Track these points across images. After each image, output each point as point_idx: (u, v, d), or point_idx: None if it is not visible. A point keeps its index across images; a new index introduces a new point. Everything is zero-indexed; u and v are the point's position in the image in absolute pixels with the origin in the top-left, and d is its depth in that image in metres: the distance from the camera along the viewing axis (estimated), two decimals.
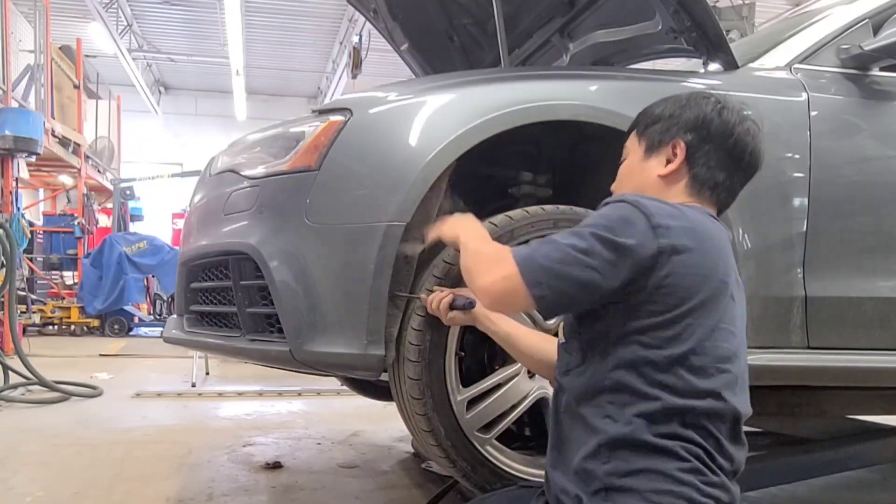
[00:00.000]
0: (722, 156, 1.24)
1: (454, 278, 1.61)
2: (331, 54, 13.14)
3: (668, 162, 1.26)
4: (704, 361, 1.11)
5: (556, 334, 1.38)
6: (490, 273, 1.17)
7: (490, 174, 1.98)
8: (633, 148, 1.33)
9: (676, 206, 1.18)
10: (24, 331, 7.11)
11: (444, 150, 1.63)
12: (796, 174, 1.84)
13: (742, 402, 1.15)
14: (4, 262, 4.44)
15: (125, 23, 11.75)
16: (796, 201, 1.84)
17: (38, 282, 9.90)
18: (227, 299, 1.83)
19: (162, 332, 2.23)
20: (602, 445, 1.11)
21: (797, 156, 1.85)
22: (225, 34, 10.89)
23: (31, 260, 8.98)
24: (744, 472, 1.16)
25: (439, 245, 1.60)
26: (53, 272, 9.78)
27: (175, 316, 2.12)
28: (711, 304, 1.12)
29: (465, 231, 1.36)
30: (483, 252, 1.25)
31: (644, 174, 1.29)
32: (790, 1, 9.77)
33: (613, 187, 1.37)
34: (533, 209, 1.73)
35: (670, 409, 1.09)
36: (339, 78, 12.73)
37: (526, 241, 1.69)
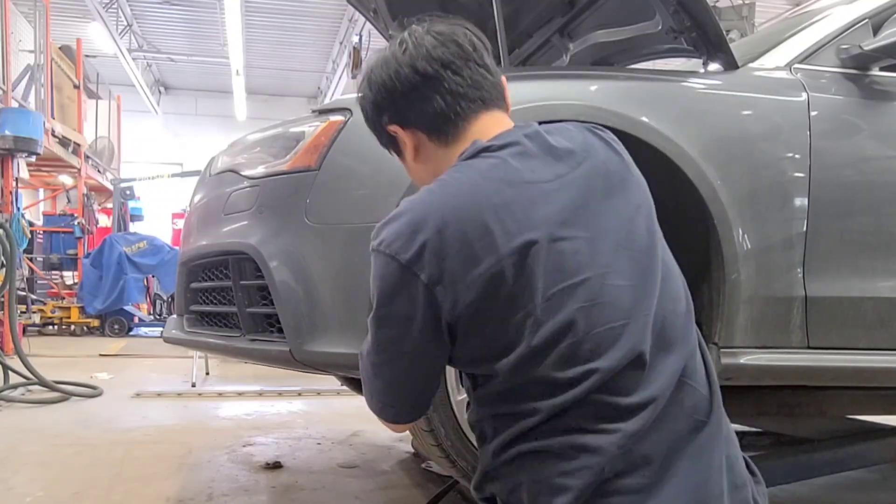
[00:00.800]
0: (413, 96, 1.08)
1: None
2: (331, 54, 13.15)
3: (407, 146, 1.13)
4: (570, 348, 0.93)
5: None
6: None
7: None
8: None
9: (440, 184, 1.00)
10: (24, 331, 7.10)
11: None
12: (796, 174, 1.84)
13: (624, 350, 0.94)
14: (4, 262, 4.44)
15: (125, 23, 11.75)
16: (796, 201, 1.84)
17: (38, 282, 9.89)
18: (227, 299, 1.83)
19: (162, 332, 2.23)
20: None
21: (797, 156, 1.85)
22: (225, 34, 10.90)
23: (31, 260, 8.97)
24: None
25: None
26: (53, 272, 9.78)
27: (175, 316, 2.12)
28: (526, 276, 0.93)
29: None
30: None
31: (413, 169, 1.18)
32: (790, 1, 9.77)
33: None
34: None
35: (553, 409, 0.95)
36: (339, 78, 12.74)
37: None
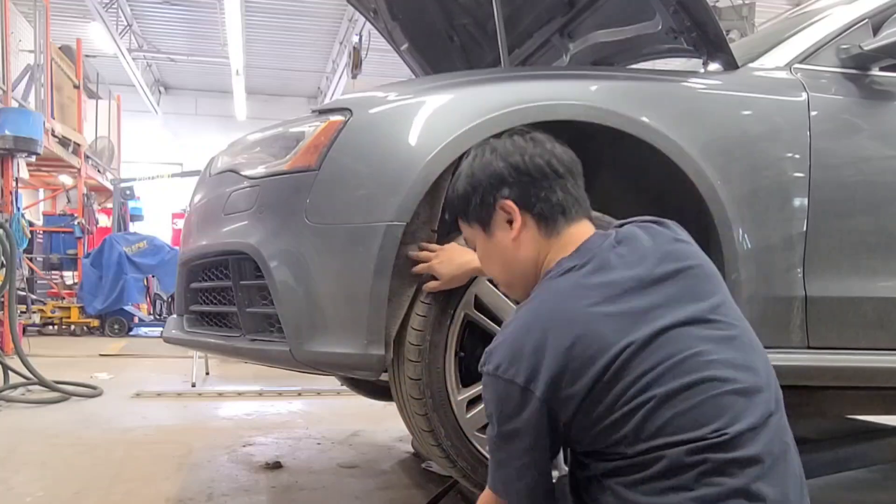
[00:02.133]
0: (543, 183, 1.21)
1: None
2: (331, 54, 13.14)
3: (510, 223, 1.22)
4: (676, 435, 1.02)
5: None
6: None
7: None
8: (473, 235, 1.29)
9: (533, 308, 1.12)
10: (24, 331, 7.10)
11: (445, 149, 1.63)
12: (796, 174, 1.84)
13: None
14: (4, 262, 4.44)
15: (125, 23, 11.74)
16: (796, 201, 1.84)
17: (38, 282, 9.89)
18: (227, 299, 1.83)
19: (162, 332, 2.23)
20: None
21: (797, 156, 1.85)
22: (225, 34, 10.89)
23: (31, 260, 8.97)
24: None
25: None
26: (53, 272, 9.78)
27: (175, 316, 2.12)
28: (629, 373, 1.04)
29: None
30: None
31: (501, 249, 1.25)
32: (790, 1, 9.76)
33: (483, 267, 1.35)
34: None
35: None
36: (339, 78, 12.73)
37: None
